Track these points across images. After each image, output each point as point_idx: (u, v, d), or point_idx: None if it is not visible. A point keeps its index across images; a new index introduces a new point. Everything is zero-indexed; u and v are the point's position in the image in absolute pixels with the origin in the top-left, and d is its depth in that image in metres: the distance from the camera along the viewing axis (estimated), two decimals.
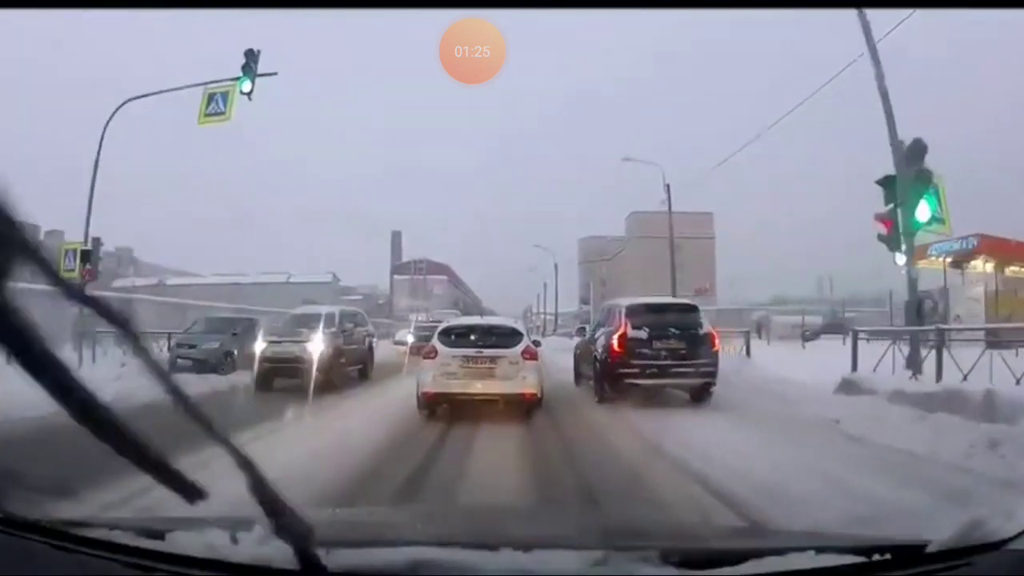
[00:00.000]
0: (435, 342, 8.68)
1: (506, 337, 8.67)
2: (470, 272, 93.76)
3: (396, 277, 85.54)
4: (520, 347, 8.40)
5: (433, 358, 8.39)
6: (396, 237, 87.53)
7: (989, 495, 4.41)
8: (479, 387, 8.11)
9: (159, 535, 1.27)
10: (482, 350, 8.33)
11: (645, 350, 9.36)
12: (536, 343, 9.67)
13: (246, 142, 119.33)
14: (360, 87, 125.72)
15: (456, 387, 8.12)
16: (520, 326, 9.58)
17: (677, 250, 77.17)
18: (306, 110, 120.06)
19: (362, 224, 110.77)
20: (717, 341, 9.79)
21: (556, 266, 53.55)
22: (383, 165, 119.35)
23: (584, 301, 79.42)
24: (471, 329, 9.00)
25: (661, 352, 9.39)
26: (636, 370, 9.25)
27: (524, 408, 7.98)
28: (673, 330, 9.57)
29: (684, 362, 9.32)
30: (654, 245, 70.79)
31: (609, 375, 9.60)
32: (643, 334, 9.43)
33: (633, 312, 9.81)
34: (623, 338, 9.43)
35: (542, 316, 59.88)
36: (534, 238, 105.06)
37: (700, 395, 9.47)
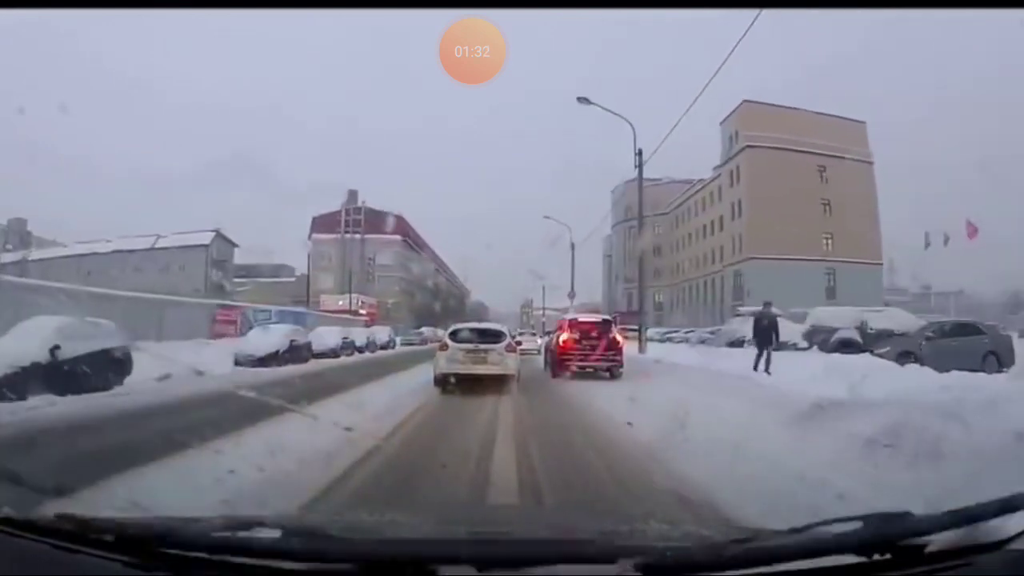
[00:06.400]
0: (445, 339, 12.34)
1: (494, 336, 12.36)
2: (463, 262, 73.99)
3: (317, 237, 54.53)
4: (503, 343, 12.15)
5: (445, 350, 11.94)
6: (352, 198, 56.91)
7: None
8: (475, 369, 11.61)
9: (159, 535, 1.27)
10: (478, 345, 11.89)
11: (577, 346, 14.87)
12: (518, 342, 14.94)
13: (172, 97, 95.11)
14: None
15: (460, 369, 11.59)
16: (504, 329, 13.42)
17: (820, 176, 41.29)
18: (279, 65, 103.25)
19: (323, 189, 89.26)
20: (621, 341, 15.32)
21: (544, 288, 44.62)
22: (340, 123, 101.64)
23: (627, 280, 55.28)
24: (471, 331, 12.52)
25: (587, 347, 14.80)
26: (572, 357, 14.77)
27: (506, 381, 11.70)
28: (594, 335, 14.99)
29: (600, 354, 14.69)
30: (783, 165, 39.89)
31: (556, 361, 15.20)
32: (577, 336, 15.03)
33: (571, 323, 15.64)
34: (567, 340, 15.10)
35: (543, 313, 48.74)
36: (538, 227, 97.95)
37: (613, 373, 14.70)
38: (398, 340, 35.73)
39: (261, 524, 1.29)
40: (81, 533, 1.25)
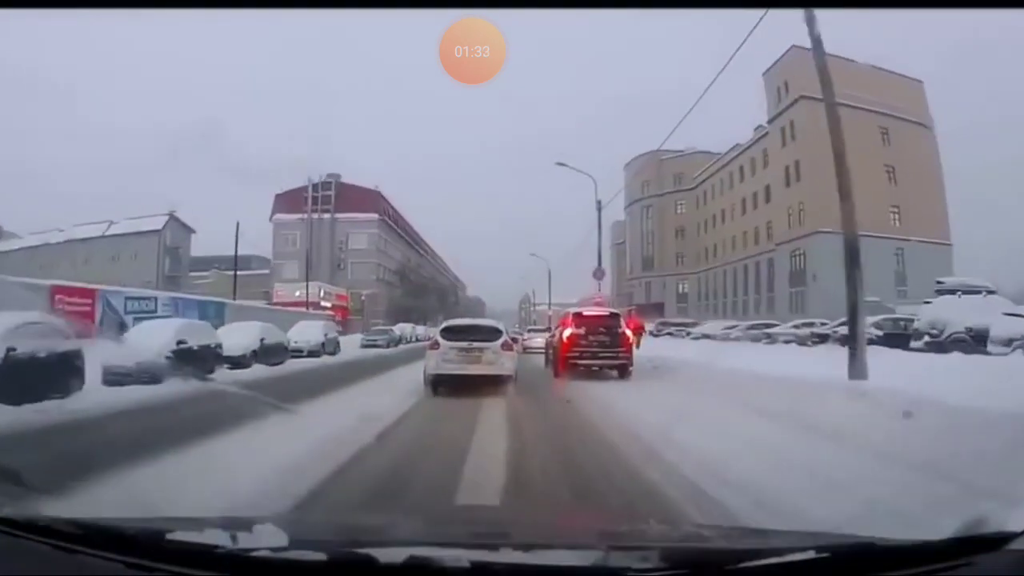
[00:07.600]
0: (437, 337, 11.40)
1: (490, 334, 11.41)
2: (460, 259, 72.64)
3: (279, 218, 47.92)
4: (500, 341, 11.25)
5: (437, 348, 11.06)
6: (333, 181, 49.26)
7: None
8: (469, 369, 10.78)
9: (159, 535, 1.27)
10: (472, 343, 10.98)
11: (583, 342, 13.74)
12: (514, 339, 13.92)
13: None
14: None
15: (453, 369, 10.77)
16: (501, 326, 12.41)
17: (883, 140, 33.35)
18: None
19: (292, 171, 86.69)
20: (630, 337, 14.36)
21: (549, 272, 39.83)
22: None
23: (646, 267, 52.20)
24: (464, 328, 11.75)
25: (593, 343, 13.73)
26: (577, 355, 13.72)
27: (502, 382, 10.84)
28: (601, 330, 13.91)
29: (608, 350, 13.71)
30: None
31: (560, 359, 14.14)
32: (582, 331, 13.85)
33: (576, 317, 14.39)
34: (571, 335, 13.92)
35: (548, 307, 41.24)
36: (538, 222, 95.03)
37: (622, 373, 13.74)
38: (342, 342, 24.40)
39: (259, 524, 1.29)
40: (81, 533, 1.25)
